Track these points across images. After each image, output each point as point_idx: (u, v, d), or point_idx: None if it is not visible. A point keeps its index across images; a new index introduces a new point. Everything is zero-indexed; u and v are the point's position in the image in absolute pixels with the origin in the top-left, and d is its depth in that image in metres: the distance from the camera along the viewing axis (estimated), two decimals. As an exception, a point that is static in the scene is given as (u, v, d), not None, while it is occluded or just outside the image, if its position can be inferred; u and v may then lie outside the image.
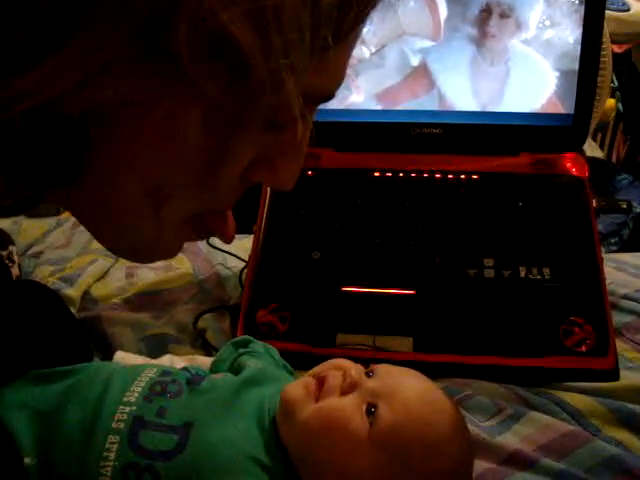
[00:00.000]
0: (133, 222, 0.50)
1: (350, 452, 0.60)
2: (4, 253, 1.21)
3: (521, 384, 0.90)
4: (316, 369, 0.68)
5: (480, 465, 0.72)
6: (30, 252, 1.31)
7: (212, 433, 0.62)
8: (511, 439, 0.79)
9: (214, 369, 0.78)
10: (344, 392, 0.63)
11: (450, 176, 1.09)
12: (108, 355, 0.95)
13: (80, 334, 0.83)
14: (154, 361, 0.86)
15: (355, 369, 0.66)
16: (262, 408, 0.65)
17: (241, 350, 0.77)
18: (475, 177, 1.08)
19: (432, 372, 0.89)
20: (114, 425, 0.62)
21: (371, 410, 0.61)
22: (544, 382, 0.91)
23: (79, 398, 0.66)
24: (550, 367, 0.92)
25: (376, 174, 1.09)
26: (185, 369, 0.71)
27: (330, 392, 0.63)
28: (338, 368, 0.66)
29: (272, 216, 1.06)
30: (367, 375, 0.66)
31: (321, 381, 0.64)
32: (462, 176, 1.08)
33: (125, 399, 0.64)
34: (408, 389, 0.64)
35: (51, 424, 0.64)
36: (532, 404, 0.86)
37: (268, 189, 1.09)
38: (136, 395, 0.65)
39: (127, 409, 0.63)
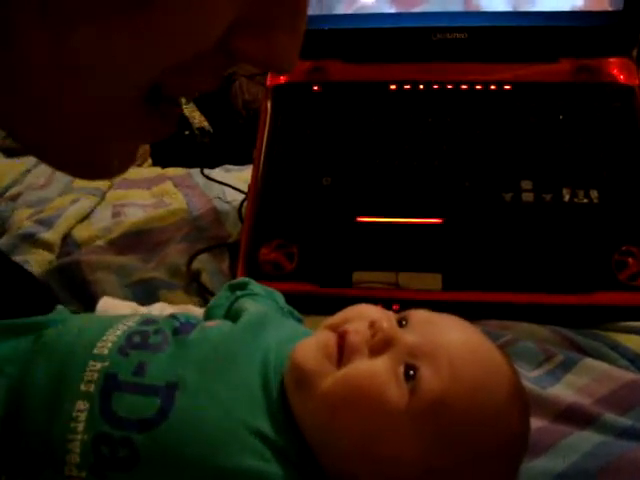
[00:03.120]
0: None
1: (385, 429, 0.47)
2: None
3: (569, 325, 0.78)
4: (335, 319, 0.53)
5: (532, 423, 0.59)
6: (7, 194, 1.18)
7: (202, 396, 0.49)
8: (564, 391, 0.67)
9: (208, 316, 0.65)
10: (375, 351, 0.49)
11: (478, 87, 0.94)
12: (90, 306, 0.83)
13: (30, 281, 0.69)
14: (143, 309, 0.74)
15: (386, 318, 0.52)
16: (266, 363, 0.52)
17: (239, 293, 0.65)
18: (507, 87, 0.94)
19: (464, 313, 0.78)
20: (83, 387, 0.50)
21: (410, 373, 0.48)
22: (596, 322, 0.79)
23: (46, 356, 0.53)
24: (602, 304, 0.79)
25: (392, 87, 0.95)
26: (172, 316, 0.58)
27: (356, 352, 0.49)
28: (363, 317, 0.52)
29: (274, 138, 0.92)
30: (400, 324, 0.52)
31: (343, 336, 0.50)
32: (492, 87, 0.94)
33: (96, 351, 0.52)
34: (455, 344, 0.50)
35: (17, 390, 0.52)
36: (585, 349, 0.74)
37: (268, 107, 0.94)
38: (109, 346, 0.52)
39: (98, 365, 0.51)
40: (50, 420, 0.49)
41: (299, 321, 0.66)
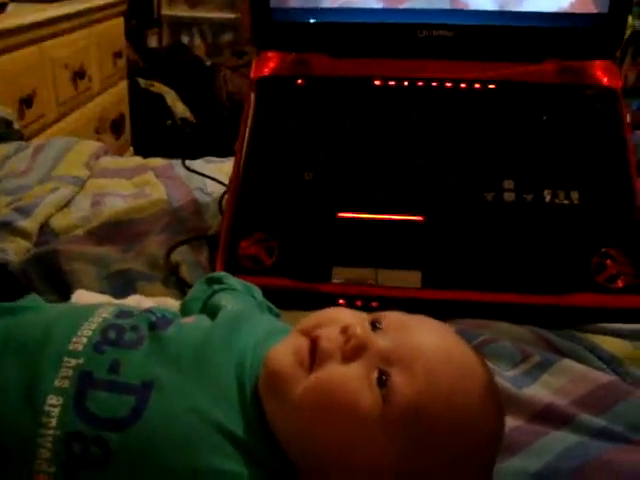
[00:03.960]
0: None
1: (358, 436, 0.46)
2: None
3: (547, 326, 0.78)
4: (307, 323, 0.53)
5: (507, 423, 0.58)
6: (-14, 179, 1.16)
7: (177, 397, 0.49)
8: (541, 391, 0.67)
9: (185, 310, 0.64)
10: (348, 357, 0.49)
11: (463, 85, 0.94)
12: (67, 296, 0.82)
13: None
14: (117, 302, 0.73)
15: (360, 323, 0.51)
16: (242, 365, 0.52)
17: (216, 287, 0.64)
18: (492, 86, 0.94)
19: (443, 312, 0.78)
20: (57, 383, 0.49)
21: (382, 379, 0.47)
22: (574, 323, 0.79)
23: (17, 346, 0.52)
24: (580, 306, 0.80)
25: (377, 82, 0.94)
26: (149, 311, 0.57)
27: (328, 358, 0.48)
28: (336, 321, 0.51)
29: (256, 131, 0.91)
30: (373, 327, 0.51)
31: (315, 342, 0.50)
32: (477, 85, 0.94)
33: (71, 347, 0.51)
34: (428, 349, 0.49)
35: None
36: (561, 350, 0.74)
37: (251, 99, 0.93)
38: (84, 342, 0.52)
39: (73, 362, 0.50)
40: (19, 413, 0.48)
41: (277, 316, 0.65)
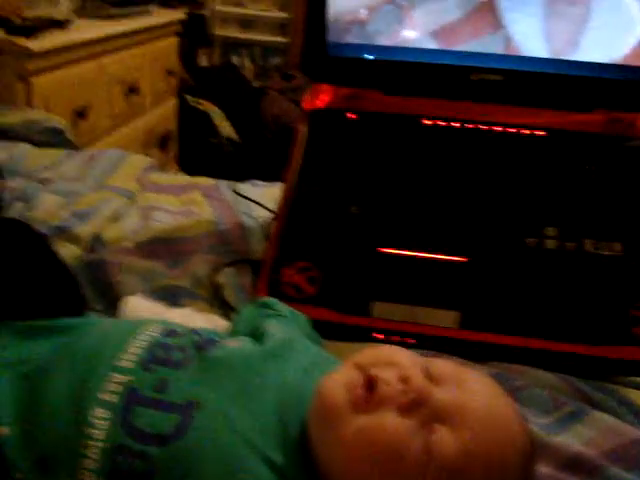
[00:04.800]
0: None
1: None
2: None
3: (581, 375, 0.78)
4: (364, 358, 0.53)
5: (537, 469, 0.60)
6: (36, 177, 1.20)
7: (220, 419, 0.51)
8: (571, 440, 0.68)
9: (234, 331, 0.66)
10: (405, 409, 0.49)
11: (512, 130, 0.95)
12: (113, 305, 0.85)
13: (69, 281, 0.71)
14: (170, 313, 0.75)
15: (417, 372, 0.51)
16: (286, 391, 0.53)
17: (266, 312, 0.66)
18: (540, 133, 0.95)
19: (478, 354, 0.79)
20: (103, 396, 0.52)
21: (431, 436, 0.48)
22: (607, 375, 0.79)
23: (68, 359, 0.55)
24: (615, 358, 0.79)
25: (427, 122, 0.96)
26: (195, 332, 0.60)
27: (385, 404, 0.49)
28: (393, 363, 0.52)
29: (307, 162, 0.93)
30: (427, 376, 0.52)
31: (372, 382, 0.50)
32: (525, 131, 0.95)
33: (119, 363, 0.54)
34: (482, 412, 0.50)
35: (36, 389, 0.53)
36: (594, 401, 0.74)
37: (304, 130, 0.96)
38: (133, 359, 0.54)
39: (120, 378, 0.53)
40: (66, 424, 0.51)
41: (319, 344, 0.67)
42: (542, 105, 0.97)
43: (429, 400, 0.49)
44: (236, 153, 2.88)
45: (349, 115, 0.97)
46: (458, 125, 0.95)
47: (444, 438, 0.48)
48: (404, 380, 0.50)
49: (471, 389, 0.51)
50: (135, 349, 0.55)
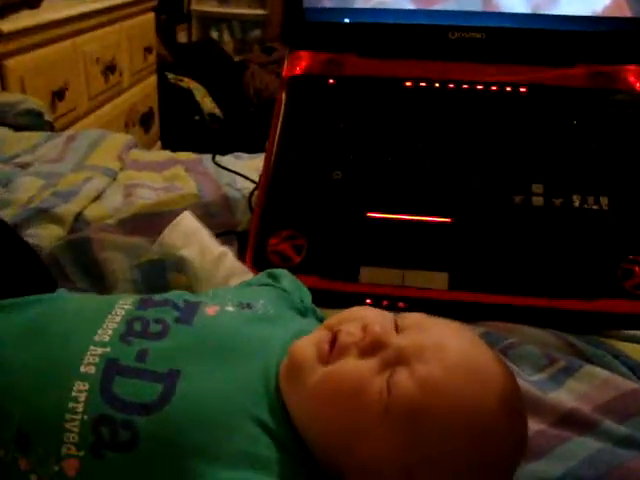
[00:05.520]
0: None
1: (361, 426, 0.48)
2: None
3: (572, 331, 0.78)
4: (333, 319, 0.55)
5: (530, 426, 0.59)
6: (17, 160, 1.19)
7: (204, 384, 0.50)
8: (565, 396, 0.67)
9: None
10: (364, 353, 0.50)
11: (493, 88, 0.94)
12: (96, 284, 0.84)
13: (33, 260, 0.69)
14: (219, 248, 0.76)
15: (380, 322, 0.52)
16: (269, 354, 0.53)
17: (268, 281, 0.66)
18: (523, 90, 0.94)
19: (469, 314, 0.78)
20: (83, 369, 0.51)
21: (392, 375, 0.49)
22: (599, 330, 0.79)
23: (42, 335, 0.54)
24: (606, 312, 0.79)
25: (408, 84, 0.95)
26: (170, 301, 0.58)
27: (345, 351, 0.51)
28: (359, 319, 0.53)
29: (287, 130, 0.92)
30: (397, 328, 0.53)
31: (335, 336, 0.52)
32: (507, 88, 0.94)
33: (97, 338, 0.53)
34: (444, 349, 0.50)
35: (8, 367, 0.52)
36: (586, 355, 0.74)
37: (283, 98, 0.94)
38: (110, 333, 0.53)
39: (99, 350, 0.52)
40: (45, 400, 0.50)
41: (320, 321, 0.65)
42: (523, 62, 0.96)
43: (388, 343, 0.50)
44: (220, 129, 2.85)
45: (328, 80, 0.95)
46: (439, 85, 0.94)
47: (402, 376, 0.48)
48: (364, 328, 0.51)
49: (437, 332, 0.52)
50: (112, 324, 0.54)
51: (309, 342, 0.52)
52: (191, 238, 0.76)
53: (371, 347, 0.50)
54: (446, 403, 0.48)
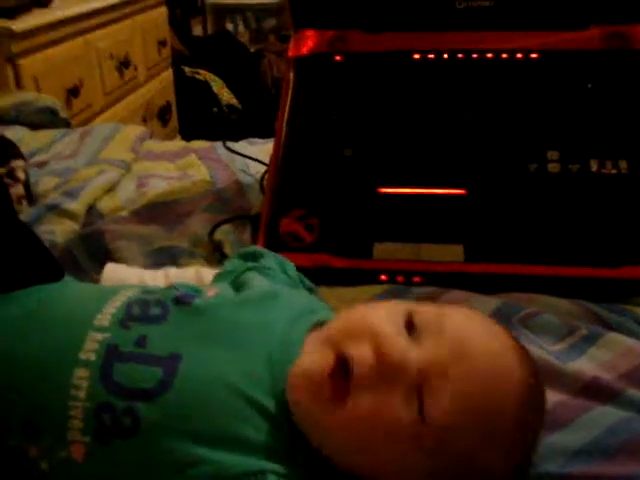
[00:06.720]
0: None
1: (391, 458, 0.47)
2: (2, 170, 1.07)
3: (594, 299, 0.76)
4: (335, 331, 0.51)
5: (551, 397, 0.57)
6: (33, 161, 1.19)
7: (206, 369, 0.49)
8: (587, 365, 0.66)
9: (216, 282, 0.65)
10: (383, 381, 0.46)
11: (504, 55, 0.91)
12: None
13: (38, 248, 0.68)
14: (148, 273, 0.74)
15: (392, 335, 0.48)
16: (272, 340, 0.52)
17: (250, 264, 0.64)
18: (534, 56, 0.91)
19: (486, 285, 0.77)
20: (83, 356, 0.50)
21: (420, 404, 0.46)
22: (622, 297, 0.77)
23: (42, 322, 0.54)
24: (629, 278, 0.77)
25: (416, 56, 0.93)
26: (172, 287, 0.58)
27: (363, 385, 0.46)
28: (367, 331, 0.48)
29: (296, 109, 0.91)
30: (408, 329, 0.49)
31: (344, 361, 0.47)
32: (519, 55, 0.91)
33: (96, 323, 0.52)
34: (465, 359, 0.47)
35: (9, 355, 0.52)
36: (610, 323, 0.72)
37: (290, 78, 0.93)
38: (109, 317, 0.52)
39: (99, 336, 0.51)
40: (47, 387, 0.50)
41: (310, 290, 0.65)
42: (534, 27, 0.93)
43: (407, 367, 0.46)
44: (238, 119, 2.85)
45: (335, 58, 0.94)
46: (448, 56, 0.92)
47: (430, 407, 0.46)
48: (377, 349, 0.47)
49: (453, 334, 0.48)
50: (112, 309, 0.53)
51: (311, 368, 0.48)
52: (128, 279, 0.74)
53: (390, 376, 0.46)
54: (474, 420, 0.46)
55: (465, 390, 0.46)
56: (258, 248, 0.68)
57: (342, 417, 0.46)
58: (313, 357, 0.49)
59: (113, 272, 0.73)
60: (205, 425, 0.47)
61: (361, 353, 0.47)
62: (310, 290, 0.64)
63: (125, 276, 0.73)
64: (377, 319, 0.50)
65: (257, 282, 0.59)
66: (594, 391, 0.62)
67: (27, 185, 1.08)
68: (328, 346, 0.49)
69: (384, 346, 0.47)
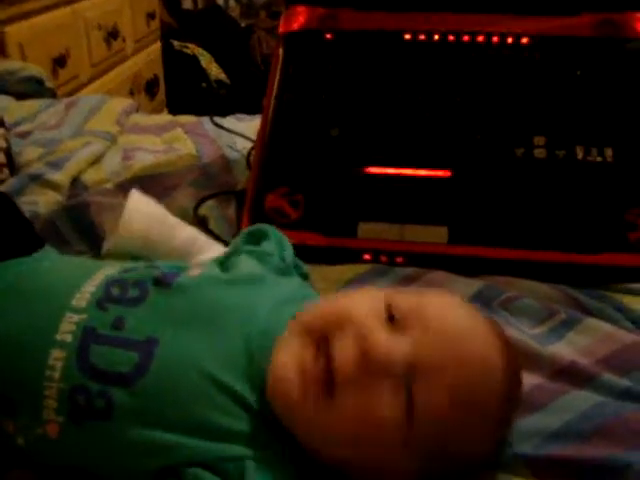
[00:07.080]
0: None
1: (382, 455, 0.47)
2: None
3: (575, 285, 0.77)
4: (315, 319, 0.50)
5: (528, 380, 0.58)
6: (17, 130, 1.18)
7: (183, 356, 0.49)
8: (565, 349, 0.66)
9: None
10: (369, 376, 0.46)
11: (495, 39, 0.91)
12: (94, 246, 0.83)
13: (17, 219, 0.68)
14: (172, 219, 0.77)
15: (375, 324, 0.47)
16: (252, 323, 0.51)
17: (247, 248, 0.63)
18: (525, 40, 0.91)
19: (469, 268, 0.77)
20: (59, 337, 0.50)
21: (409, 399, 0.46)
22: (602, 283, 0.77)
23: (20, 298, 0.53)
24: (610, 265, 0.78)
25: (406, 36, 0.92)
26: (153, 266, 0.57)
27: (348, 382, 0.45)
28: (347, 321, 0.48)
29: (284, 87, 0.90)
30: (390, 319, 0.48)
31: (325, 352, 0.47)
32: (509, 39, 0.91)
33: (74, 302, 0.51)
34: (450, 347, 0.47)
35: None
36: (589, 309, 0.73)
37: (280, 54, 0.92)
38: (87, 297, 0.52)
39: (75, 317, 0.51)
40: (23, 365, 0.50)
41: (305, 277, 0.64)
42: (526, 12, 0.93)
43: (394, 363, 0.46)
44: (227, 95, 2.83)
45: (325, 35, 0.93)
46: (438, 38, 0.91)
47: (419, 404, 0.46)
48: (360, 341, 0.46)
49: (436, 323, 0.48)
50: (91, 287, 0.53)
51: (291, 363, 0.47)
52: (148, 217, 0.75)
53: (376, 371, 0.46)
54: (460, 411, 0.47)
55: (453, 383, 0.46)
56: (263, 226, 0.66)
57: (327, 416, 0.46)
58: (293, 348, 0.48)
59: (138, 202, 0.76)
60: (178, 412, 0.47)
61: (344, 350, 0.46)
62: (304, 276, 0.63)
63: (148, 211, 0.75)
64: (358, 309, 0.49)
65: (245, 265, 0.58)
66: (571, 375, 0.62)
67: (9, 154, 1.06)
68: (308, 339, 0.48)
69: (368, 340, 0.46)
